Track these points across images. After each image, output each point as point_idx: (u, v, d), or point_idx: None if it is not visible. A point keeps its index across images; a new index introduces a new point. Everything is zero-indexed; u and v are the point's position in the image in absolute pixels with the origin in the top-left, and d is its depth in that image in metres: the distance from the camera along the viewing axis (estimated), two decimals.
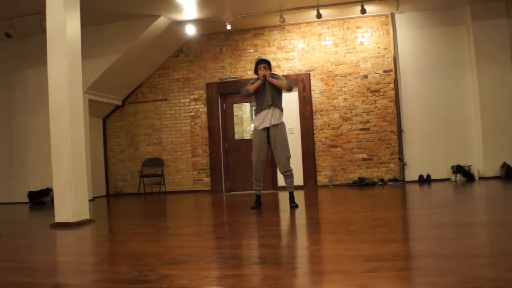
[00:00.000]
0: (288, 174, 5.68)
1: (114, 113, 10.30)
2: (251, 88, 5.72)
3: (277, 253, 3.13)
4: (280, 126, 5.69)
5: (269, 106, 5.64)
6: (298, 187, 9.04)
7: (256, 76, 5.87)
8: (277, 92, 5.74)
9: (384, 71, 8.99)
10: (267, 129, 5.66)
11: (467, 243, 3.07)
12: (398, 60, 8.92)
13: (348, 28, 9.20)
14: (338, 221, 4.51)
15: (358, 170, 9.01)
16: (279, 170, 5.73)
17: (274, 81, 5.65)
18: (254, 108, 6.05)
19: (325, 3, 8.33)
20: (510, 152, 8.31)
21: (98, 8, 7.80)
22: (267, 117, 5.65)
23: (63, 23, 5.34)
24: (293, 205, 5.69)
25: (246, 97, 5.99)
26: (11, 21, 7.92)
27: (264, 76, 5.62)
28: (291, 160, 5.74)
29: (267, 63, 5.75)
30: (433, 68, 8.83)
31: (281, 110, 5.76)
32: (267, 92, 5.67)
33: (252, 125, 10.34)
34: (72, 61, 5.44)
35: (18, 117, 9.32)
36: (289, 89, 5.75)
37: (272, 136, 5.63)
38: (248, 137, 9.87)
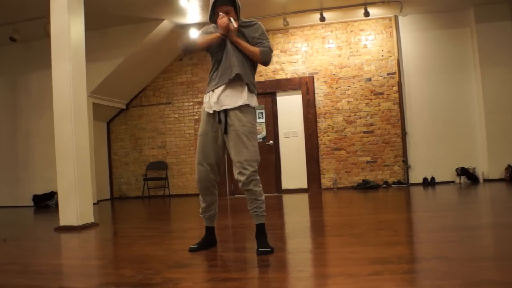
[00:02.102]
0: (250, 188, 3.17)
1: (118, 116, 10.33)
2: (202, 41, 3.27)
3: (282, 256, 3.12)
4: (245, 110, 3.22)
5: (230, 80, 3.20)
6: (302, 190, 9.04)
7: (213, 24, 3.44)
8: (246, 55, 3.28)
9: (388, 74, 8.98)
10: (222, 113, 3.23)
11: (471, 245, 3.06)
12: (401, 63, 8.91)
13: (351, 31, 9.20)
14: (343, 224, 4.50)
15: (362, 173, 9.00)
16: (235, 177, 3.24)
17: (241, 43, 3.25)
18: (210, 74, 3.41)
19: (328, 6, 8.34)
20: None
21: (102, 12, 7.83)
22: (223, 96, 3.22)
23: (67, 27, 5.37)
24: (261, 250, 3.12)
25: (188, 53, 3.50)
26: (16, 25, 7.96)
27: (227, 28, 3.21)
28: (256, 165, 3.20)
29: (231, 5, 3.32)
30: (437, 71, 8.82)
31: (251, 86, 3.26)
32: (229, 53, 3.25)
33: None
34: (76, 65, 5.46)
35: (22, 121, 9.36)
36: (264, 62, 3.31)
37: (229, 123, 3.21)
38: None
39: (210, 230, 3.53)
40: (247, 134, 3.16)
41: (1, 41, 8.71)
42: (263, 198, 3.22)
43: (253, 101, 3.28)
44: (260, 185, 3.21)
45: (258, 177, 3.19)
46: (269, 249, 3.13)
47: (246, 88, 3.24)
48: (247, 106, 3.22)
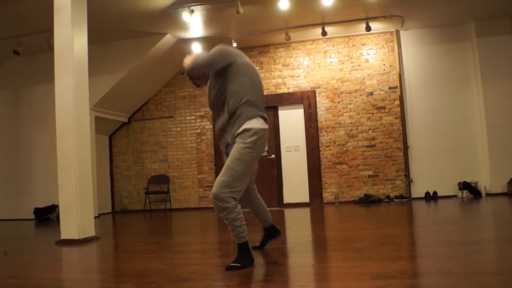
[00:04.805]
0: (220, 214, 3.21)
1: (120, 130, 10.35)
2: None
3: (284, 271, 3.11)
4: (238, 139, 3.37)
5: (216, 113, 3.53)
6: (304, 205, 9.01)
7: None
8: (221, 83, 3.40)
9: (390, 88, 9.00)
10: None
11: (474, 260, 3.04)
12: (403, 77, 8.94)
13: (353, 45, 9.24)
14: (345, 239, 4.48)
15: (364, 187, 8.97)
16: None
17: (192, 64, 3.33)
18: None
19: (330, 20, 8.39)
20: None
21: (105, 26, 7.89)
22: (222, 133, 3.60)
23: (71, 41, 5.40)
24: (229, 265, 3.16)
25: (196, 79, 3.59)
26: (19, 38, 8.02)
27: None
28: (233, 188, 3.24)
29: None
30: (438, 85, 8.84)
31: (237, 115, 3.34)
32: (211, 87, 3.50)
33: None
34: (79, 78, 5.48)
35: (25, 134, 9.38)
36: (194, 65, 3.32)
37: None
38: None
39: (265, 230, 3.99)
40: (231, 159, 3.36)
41: (5, 54, 8.78)
42: (237, 223, 3.23)
43: (240, 128, 3.33)
44: (233, 212, 3.19)
45: (230, 204, 3.18)
46: (239, 265, 3.12)
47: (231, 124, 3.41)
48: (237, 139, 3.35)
